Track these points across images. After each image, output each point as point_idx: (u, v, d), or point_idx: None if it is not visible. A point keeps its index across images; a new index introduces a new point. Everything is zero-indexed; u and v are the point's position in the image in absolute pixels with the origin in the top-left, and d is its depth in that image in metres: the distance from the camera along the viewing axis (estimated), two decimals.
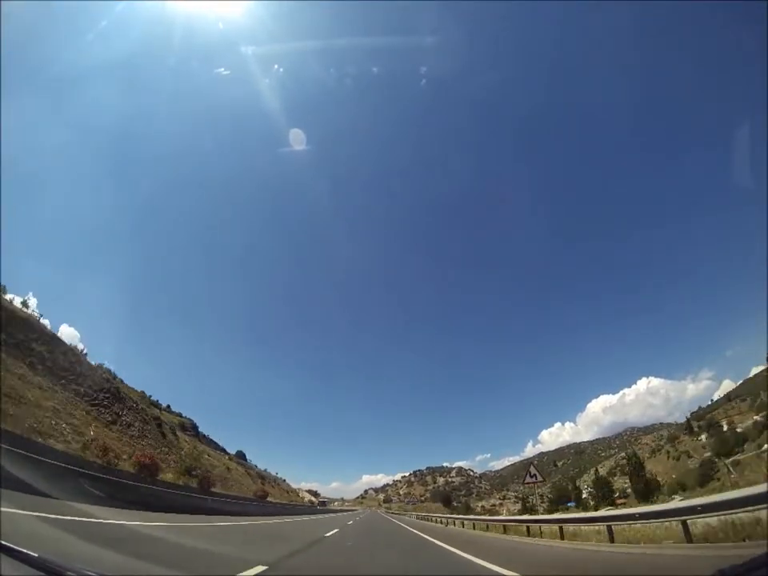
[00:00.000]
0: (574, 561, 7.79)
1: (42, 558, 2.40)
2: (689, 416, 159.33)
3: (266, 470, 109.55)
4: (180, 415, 65.47)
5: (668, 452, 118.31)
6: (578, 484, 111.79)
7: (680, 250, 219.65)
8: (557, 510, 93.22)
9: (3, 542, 2.45)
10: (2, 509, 6.16)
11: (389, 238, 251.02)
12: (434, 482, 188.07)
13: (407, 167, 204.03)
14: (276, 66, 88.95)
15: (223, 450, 69.90)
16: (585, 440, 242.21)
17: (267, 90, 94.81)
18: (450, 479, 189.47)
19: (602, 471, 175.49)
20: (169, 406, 66.23)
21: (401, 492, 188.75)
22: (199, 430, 66.20)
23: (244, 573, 4.89)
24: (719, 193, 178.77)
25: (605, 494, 76.48)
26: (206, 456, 41.14)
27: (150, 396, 63.35)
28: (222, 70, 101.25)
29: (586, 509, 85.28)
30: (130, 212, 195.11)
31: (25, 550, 2.40)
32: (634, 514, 9.59)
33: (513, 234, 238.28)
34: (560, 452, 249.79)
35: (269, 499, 41.94)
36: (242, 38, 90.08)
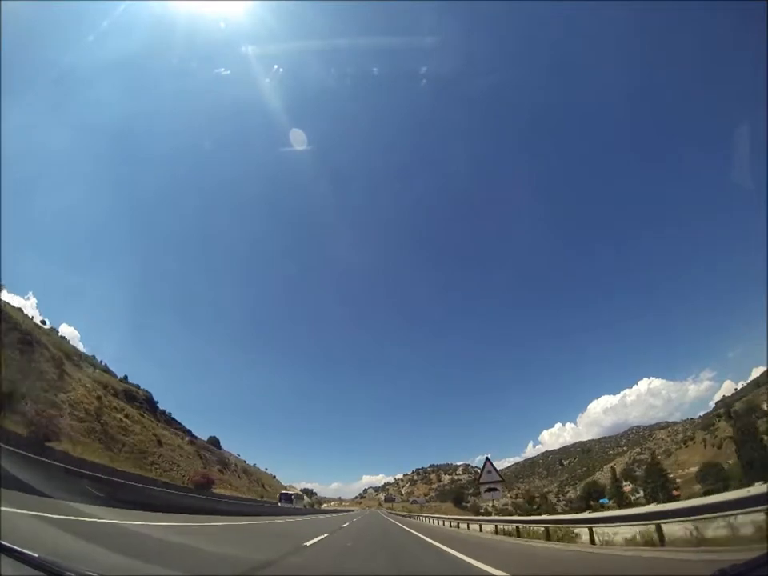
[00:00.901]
0: None
1: (42, 557, 2.36)
2: (716, 404, 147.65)
3: (254, 465, 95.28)
4: (137, 387, 53.48)
5: (704, 440, 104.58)
6: (617, 476, 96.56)
7: (681, 251, 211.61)
8: (588, 509, 78.80)
9: (3, 542, 2.40)
10: None
11: (390, 238, 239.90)
12: (439, 480, 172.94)
13: (407, 168, 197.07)
14: (276, 66, 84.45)
15: (188, 432, 56.69)
16: (586, 439, 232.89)
17: (267, 90, 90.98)
18: (456, 477, 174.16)
19: (618, 468, 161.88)
20: (126, 377, 55.50)
21: (403, 491, 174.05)
22: (158, 405, 55.36)
23: None
24: (720, 193, 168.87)
25: (662, 483, 62.11)
26: (121, 418, 26.68)
27: (102, 361, 54.37)
28: (223, 69, 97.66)
29: (624, 505, 70.98)
30: (132, 211, 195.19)
31: (25, 550, 2.37)
32: None
33: (514, 236, 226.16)
34: (565, 451, 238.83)
35: (217, 490, 28.16)
36: (242, 37, 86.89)
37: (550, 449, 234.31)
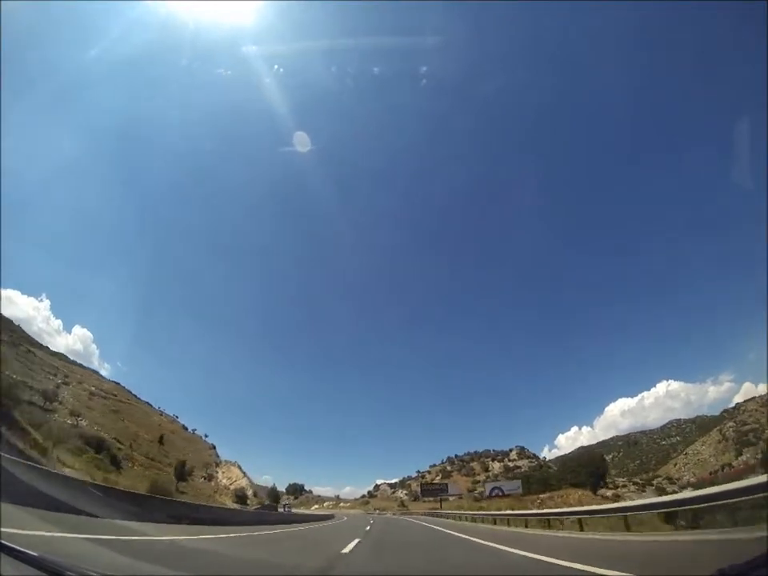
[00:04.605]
0: None
1: (42, 557, 2.31)
2: None
3: (194, 431, 73.00)
4: None
5: None
6: None
7: (700, 253, 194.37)
8: None
9: (3, 542, 2.34)
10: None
11: (396, 236, 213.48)
12: (486, 469, 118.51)
13: (409, 167, 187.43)
14: (276, 67, 73.61)
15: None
16: (626, 433, 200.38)
17: (268, 90, 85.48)
18: (509, 463, 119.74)
19: (707, 449, 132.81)
20: None
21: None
22: None
23: None
24: (733, 194, 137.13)
25: None
26: None
27: None
28: (223, 71, 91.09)
29: None
30: (141, 215, 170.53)
31: (25, 550, 2.32)
32: None
33: (526, 239, 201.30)
34: (604, 445, 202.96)
35: None
36: (242, 38, 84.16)
37: (589, 442, 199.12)
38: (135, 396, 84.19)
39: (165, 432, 63.78)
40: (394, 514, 61.66)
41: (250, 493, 44.26)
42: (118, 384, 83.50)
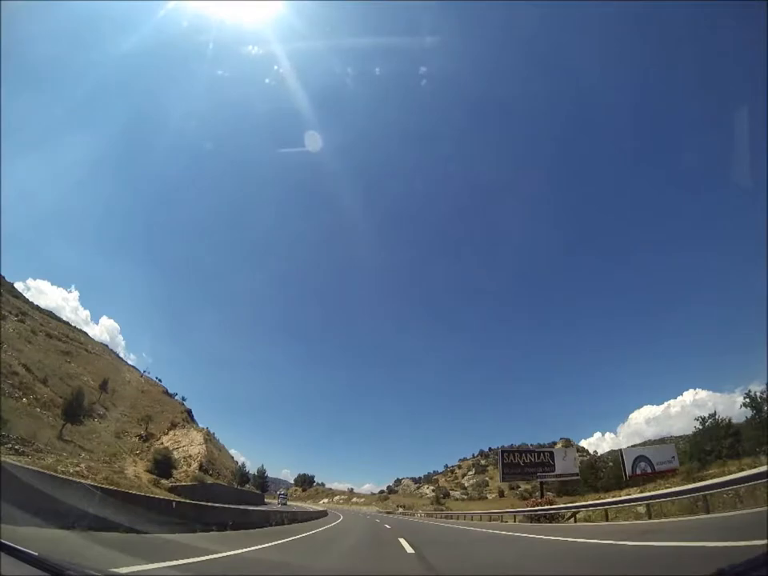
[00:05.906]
0: None
1: (42, 556, 2.30)
2: None
3: (175, 396, 63.93)
4: None
5: None
6: None
7: (725, 259, 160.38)
8: None
9: (4, 541, 2.32)
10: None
11: (397, 233, 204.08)
12: None
13: (409, 167, 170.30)
14: (276, 67, 76.32)
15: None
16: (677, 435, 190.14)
17: (269, 91, 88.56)
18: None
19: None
20: None
21: (466, 483, 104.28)
22: None
23: None
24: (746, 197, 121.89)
25: None
26: None
27: None
28: (223, 71, 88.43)
29: None
30: (164, 213, 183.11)
31: (25, 549, 2.30)
32: None
33: (533, 242, 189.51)
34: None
35: None
36: (243, 39, 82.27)
37: (619, 446, 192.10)
38: (118, 356, 75.07)
39: (135, 390, 50.46)
40: (436, 520, 35.02)
41: (193, 467, 28.69)
42: (106, 346, 75.45)
